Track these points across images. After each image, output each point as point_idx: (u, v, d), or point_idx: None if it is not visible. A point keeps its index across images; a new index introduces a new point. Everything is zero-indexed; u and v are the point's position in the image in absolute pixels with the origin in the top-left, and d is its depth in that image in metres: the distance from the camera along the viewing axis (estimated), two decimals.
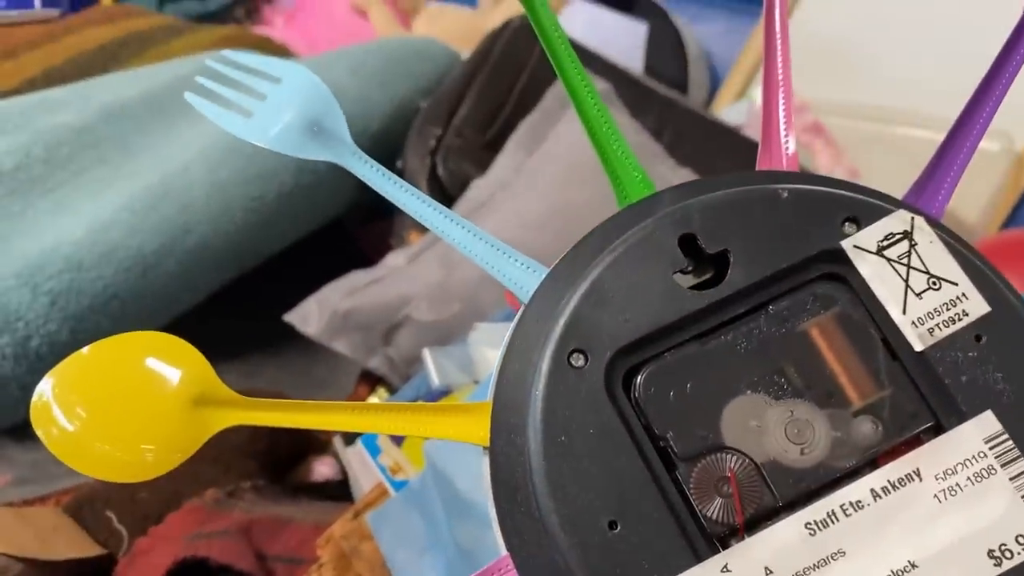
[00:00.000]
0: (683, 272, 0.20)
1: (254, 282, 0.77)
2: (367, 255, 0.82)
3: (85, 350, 0.21)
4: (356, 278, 0.71)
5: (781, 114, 0.23)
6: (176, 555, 0.50)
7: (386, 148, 0.85)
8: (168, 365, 0.21)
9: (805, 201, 0.19)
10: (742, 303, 0.19)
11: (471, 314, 0.65)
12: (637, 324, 0.19)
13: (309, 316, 0.68)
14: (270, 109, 0.24)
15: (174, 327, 0.71)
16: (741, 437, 0.18)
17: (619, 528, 0.17)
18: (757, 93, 0.89)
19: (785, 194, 0.20)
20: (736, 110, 0.93)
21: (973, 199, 0.83)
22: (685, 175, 0.76)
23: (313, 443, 0.68)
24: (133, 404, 0.20)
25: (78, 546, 0.53)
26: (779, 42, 0.24)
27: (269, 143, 0.23)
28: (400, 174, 0.84)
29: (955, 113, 0.22)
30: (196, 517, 0.53)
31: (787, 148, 0.23)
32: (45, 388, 0.21)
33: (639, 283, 0.19)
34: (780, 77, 0.23)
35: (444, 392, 0.56)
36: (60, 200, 0.73)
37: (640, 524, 0.17)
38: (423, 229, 0.81)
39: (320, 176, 0.80)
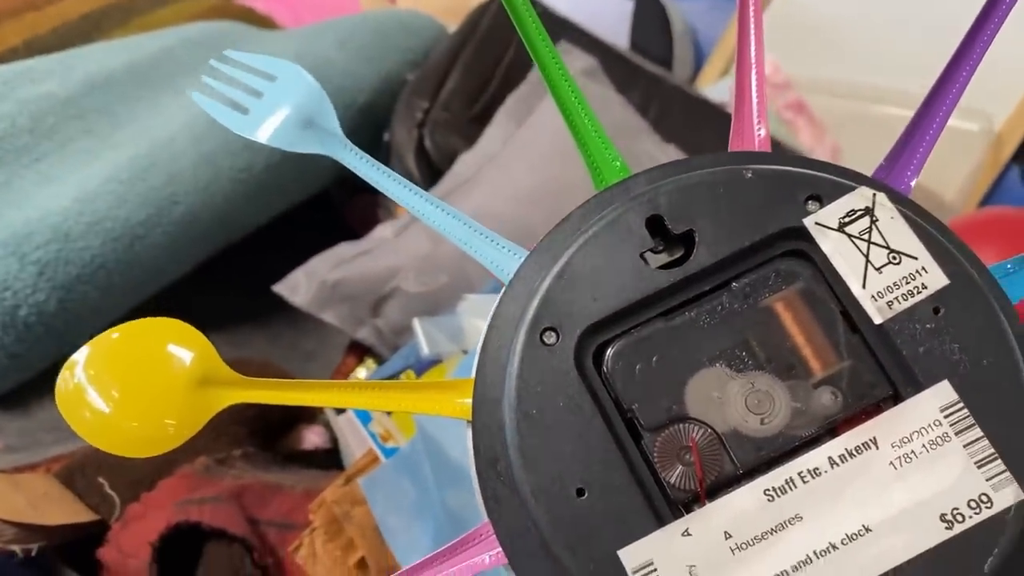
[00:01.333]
0: (653, 252, 0.20)
1: (242, 254, 0.77)
2: (354, 228, 0.82)
3: (114, 334, 0.22)
4: (344, 250, 0.71)
5: (754, 101, 0.23)
6: (169, 520, 0.50)
7: (373, 121, 0.85)
8: (182, 348, 0.22)
9: (769, 180, 0.20)
10: (706, 281, 0.20)
11: (459, 285, 0.66)
12: (605, 303, 0.20)
13: (297, 286, 0.69)
14: (265, 106, 0.26)
15: (162, 297, 0.72)
16: (704, 408, 0.19)
17: (586, 495, 0.18)
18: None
19: (749, 174, 0.20)
20: (720, 88, 0.94)
21: (951, 178, 0.84)
22: (671, 151, 0.76)
23: (303, 412, 0.68)
24: (157, 384, 0.22)
25: (70, 512, 0.53)
26: (752, 32, 0.24)
27: (266, 139, 0.25)
28: (387, 147, 0.84)
29: None
30: (188, 483, 0.54)
31: (759, 134, 0.23)
32: (76, 371, 0.22)
33: (608, 264, 0.20)
34: (753, 66, 0.24)
35: (434, 362, 0.57)
36: (46, 170, 0.73)
37: (605, 491, 0.18)
38: None
39: None
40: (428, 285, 0.68)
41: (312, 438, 0.65)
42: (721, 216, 0.20)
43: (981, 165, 0.83)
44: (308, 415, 0.68)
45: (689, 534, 0.18)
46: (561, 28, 0.84)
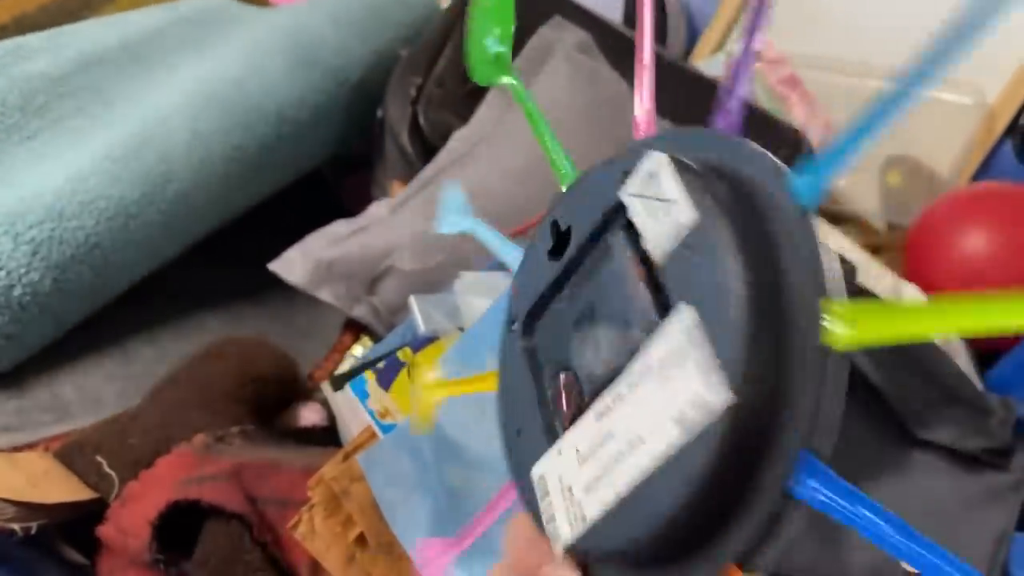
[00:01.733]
0: (554, 250, 0.26)
1: (238, 233, 0.77)
2: (348, 207, 0.82)
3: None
4: (339, 228, 0.71)
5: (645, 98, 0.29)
6: (168, 498, 0.51)
7: (367, 97, 0.85)
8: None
9: (605, 172, 0.25)
10: (577, 264, 0.26)
11: (455, 264, 0.66)
12: (533, 294, 0.27)
13: (293, 265, 0.69)
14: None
15: (158, 277, 0.72)
16: (577, 360, 0.25)
17: (521, 434, 0.26)
18: (734, 47, 0.89)
19: (604, 170, 0.25)
20: (714, 63, 0.94)
21: (944, 152, 0.84)
22: (665, 126, 0.76)
23: (300, 389, 0.69)
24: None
25: (70, 490, 0.54)
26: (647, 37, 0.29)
27: (444, 231, 0.37)
28: (381, 123, 0.83)
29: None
30: (186, 461, 0.54)
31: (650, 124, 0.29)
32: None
33: (534, 264, 0.27)
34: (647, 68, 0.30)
35: (430, 339, 0.57)
36: (38, 149, 0.72)
37: (530, 429, 0.26)
38: (406, 180, 0.81)
39: (301, 126, 0.80)
40: (424, 263, 0.68)
41: (309, 416, 0.65)
42: (584, 210, 0.25)
43: (974, 139, 0.83)
44: (304, 392, 0.68)
45: (560, 453, 0.24)
46: (555, 2, 0.83)
